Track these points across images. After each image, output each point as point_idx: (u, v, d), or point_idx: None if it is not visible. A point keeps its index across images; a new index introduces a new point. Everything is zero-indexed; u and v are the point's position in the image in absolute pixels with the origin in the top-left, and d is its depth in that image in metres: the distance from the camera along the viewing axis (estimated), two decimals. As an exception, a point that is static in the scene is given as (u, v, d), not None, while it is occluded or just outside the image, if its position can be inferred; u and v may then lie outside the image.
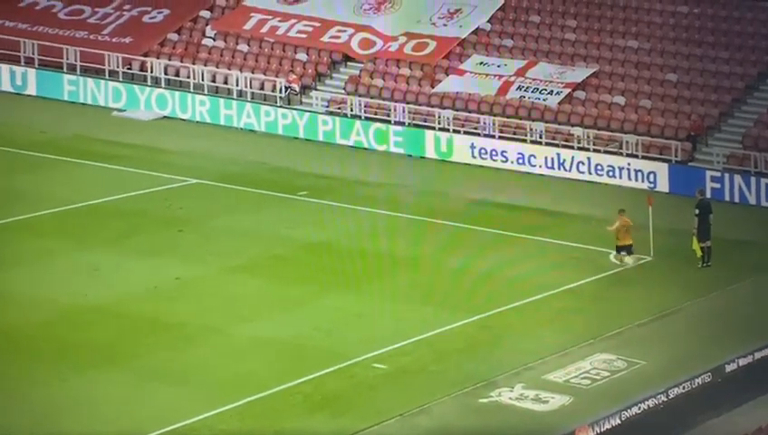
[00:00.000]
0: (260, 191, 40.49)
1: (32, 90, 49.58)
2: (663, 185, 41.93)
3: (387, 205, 39.49)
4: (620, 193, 40.73)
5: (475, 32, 48.41)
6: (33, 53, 50.17)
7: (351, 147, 45.71)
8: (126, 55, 49.71)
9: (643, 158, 42.64)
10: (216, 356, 29.22)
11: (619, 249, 34.95)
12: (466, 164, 43.98)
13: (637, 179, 42.25)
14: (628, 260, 34.84)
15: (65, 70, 49.78)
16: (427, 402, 27.11)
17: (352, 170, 42.97)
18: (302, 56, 49.30)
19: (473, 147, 44.49)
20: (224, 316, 31.30)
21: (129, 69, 49.59)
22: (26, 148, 43.25)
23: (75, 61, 49.79)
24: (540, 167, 43.43)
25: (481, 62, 47.16)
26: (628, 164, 42.51)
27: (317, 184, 41.30)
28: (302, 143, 46.08)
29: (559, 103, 45.06)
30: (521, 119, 44.79)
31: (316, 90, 48.13)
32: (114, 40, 50.72)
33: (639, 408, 26.11)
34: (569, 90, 45.36)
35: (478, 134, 44.76)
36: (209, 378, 28.09)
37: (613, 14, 47.80)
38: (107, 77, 49.36)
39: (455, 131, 45.07)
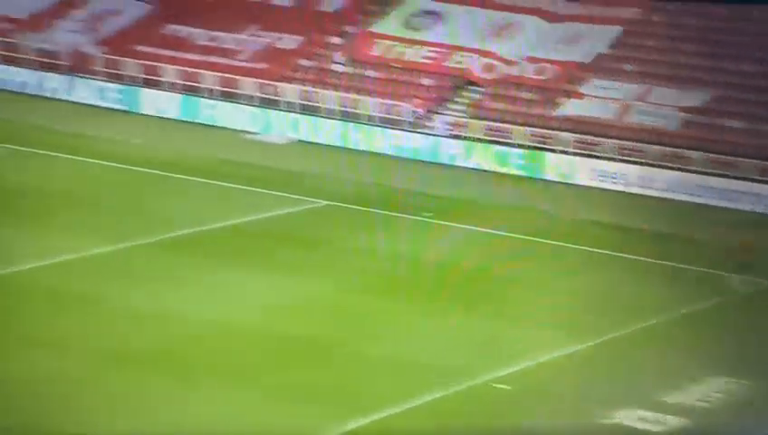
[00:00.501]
0: (387, 213, 40.44)
1: (172, 113, 50.24)
2: (782, 209, 41.17)
3: (509, 227, 39.14)
4: (738, 217, 40.07)
5: (596, 56, 47.95)
6: (173, 79, 50.93)
7: (474, 169, 45.55)
8: (261, 81, 50.20)
9: (762, 182, 41.83)
10: (342, 374, 29.15)
11: (736, 267, 34.45)
12: (587, 186, 43.54)
13: (755, 203, 41.44)
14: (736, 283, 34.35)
15: (203, 94, 50.42)
16: (549, 424, 26.84)
17: (475, 192, 42.79)
18: (426, 81, 49.30)
19: (593, 169, 44.05)
20: (350, 334, 31.24)
21: (263, 94, 50.01)
22: (167, 169, 43.79)
23: (213, 85, 50.40)
24: (659, 190, 42.88)
25: (601, 86, 46.70)
26: (747, 188, 41.73)
27: (441, 206, 41.16)
28: (427, 166, 46.00)
29: (677, 127, 44.44)
30: (640, 142, 44.25)
31: (440, 114, 48.06)
32: (250, 65, 51.25)
33: (760, 431, 25.58)
34: (687, 114, 44.69)
35: (598, 157, 44.31)
36: (335, 396, 28.02)
37: (730, 38, 47.01)
38: (243, 102, 49.90)
39: (575, 154, 44.68)
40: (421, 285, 34.62)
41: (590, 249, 37.34)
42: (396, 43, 50.95)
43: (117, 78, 51.21)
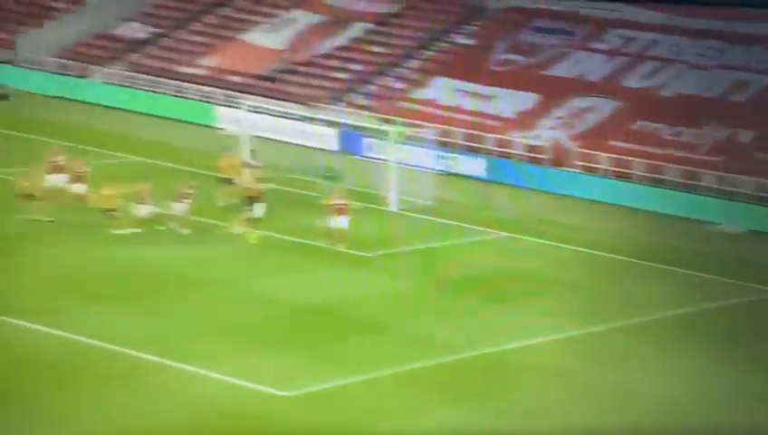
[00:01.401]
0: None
1: (638, 204, 51.51)
2: None
3: None
4: None
5: None
6: (642, 171, 52.74)
7: None
8: (719, 173, 51.31)
9: None
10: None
11: None
12: None
13: None
14: None
15: (666, 186, 52.04)
16: None
17: None
18: None
19: None
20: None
21: (721, 185, 50.96)
22: (634, 256, 45.22)
23: (675, 177, 52.24)
24: None
25: None
26: None
27: None
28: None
29: None
30: None
31: None
32: (708, 158, 52.93)
33: None
34: None
35: None
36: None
37: None
38: (703, 193, 51.18)
39: None
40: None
41: None
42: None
43: (590, 170, 53.86)
